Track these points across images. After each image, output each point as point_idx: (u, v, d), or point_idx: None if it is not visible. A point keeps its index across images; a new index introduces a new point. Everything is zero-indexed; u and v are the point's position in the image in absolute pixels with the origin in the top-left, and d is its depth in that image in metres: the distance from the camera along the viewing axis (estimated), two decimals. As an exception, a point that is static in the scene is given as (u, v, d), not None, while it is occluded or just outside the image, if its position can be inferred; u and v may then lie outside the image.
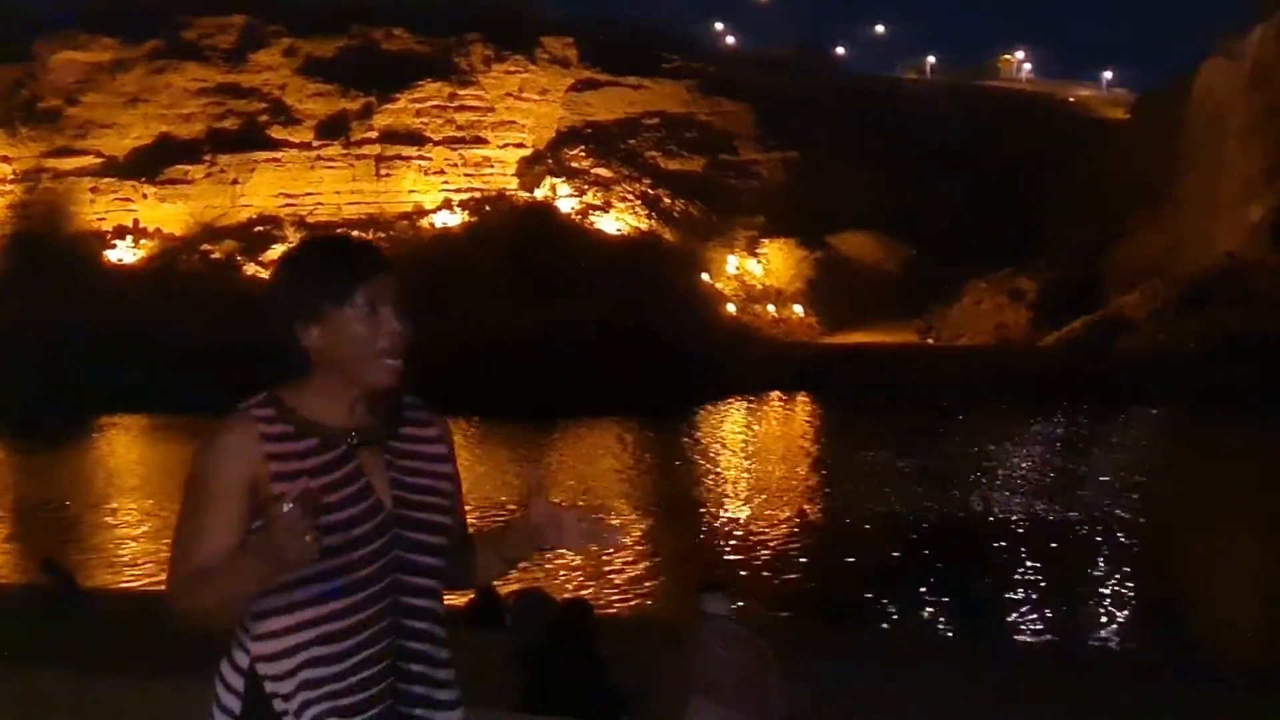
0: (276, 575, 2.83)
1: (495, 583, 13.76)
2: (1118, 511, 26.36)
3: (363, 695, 2.97)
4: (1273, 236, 71.04)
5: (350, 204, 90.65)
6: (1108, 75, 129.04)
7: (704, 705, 5.93)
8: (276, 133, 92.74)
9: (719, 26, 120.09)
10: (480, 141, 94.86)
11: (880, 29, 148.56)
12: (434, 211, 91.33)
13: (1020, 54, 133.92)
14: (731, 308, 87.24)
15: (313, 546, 2.74)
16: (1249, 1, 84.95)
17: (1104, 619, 17.28)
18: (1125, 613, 17.73)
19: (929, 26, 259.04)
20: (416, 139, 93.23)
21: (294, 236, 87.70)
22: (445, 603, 3.14)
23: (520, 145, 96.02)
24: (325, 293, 2.99)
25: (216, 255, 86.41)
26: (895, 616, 17.36)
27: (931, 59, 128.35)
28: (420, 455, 3.13)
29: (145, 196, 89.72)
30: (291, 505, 2.71)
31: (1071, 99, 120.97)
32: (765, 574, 19.87)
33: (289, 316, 3.01)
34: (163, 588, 3.06)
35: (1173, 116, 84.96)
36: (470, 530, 3.30)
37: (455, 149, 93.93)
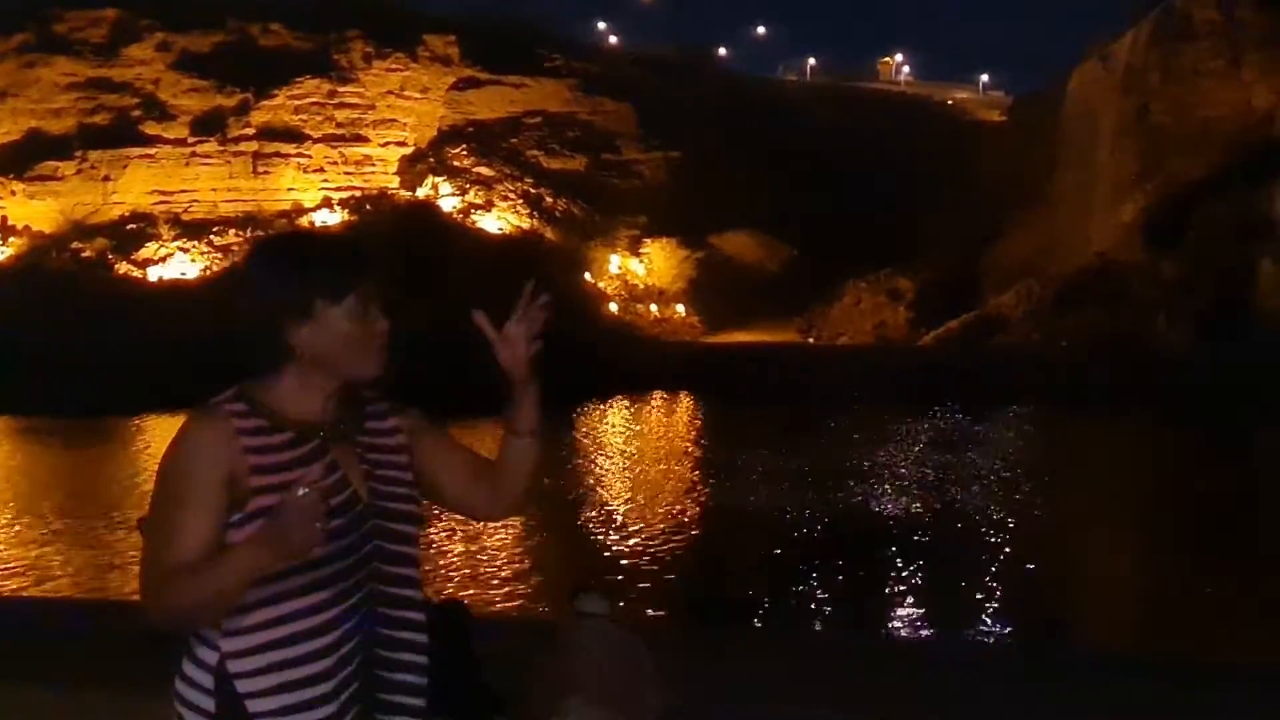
0: (277, 564, 2.83)
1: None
2: (992, 507, 26.74)
3: (343, 697, 2.97)
4: (1144, 237, 72.61)
5: (227, 201, 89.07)
6: (984, 78, 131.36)
7: (578, 706, 5.84)
8: (150, 128, 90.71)
9: (601, 25, 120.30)
10: (361, 139, 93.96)
11: (761, 30, 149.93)
12: (313, 210, 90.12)
13: (899, 56, 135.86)
14: (614, 307, 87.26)
15: (321, 533, 2.81)
16: (1121, 7, 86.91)
17: (981, 612, 17.48)
18: (1000, 606, 17.94)
19: (809, 28, 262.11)
20: (295, 136, 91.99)
21: (168, 234, 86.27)
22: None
23: (401, 143, 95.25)
24: (321, 291, 3.02)
25: (88, 254, 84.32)
26: (776, 615, 17.39)
27: (812, 60, 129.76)
28: (383, 448, 3.18)
29: (14, 193, 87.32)
30: (307, 490, 2.79)
31: (949, 101, 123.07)
32: (645, 573, 19.83)
33: (278, 313, 3.00)
34: (138, 590, 3.00)
35: (1047, 119, 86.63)
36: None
37: (335, 147, 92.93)
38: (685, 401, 60.14)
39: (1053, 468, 35.49)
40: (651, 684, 6.15)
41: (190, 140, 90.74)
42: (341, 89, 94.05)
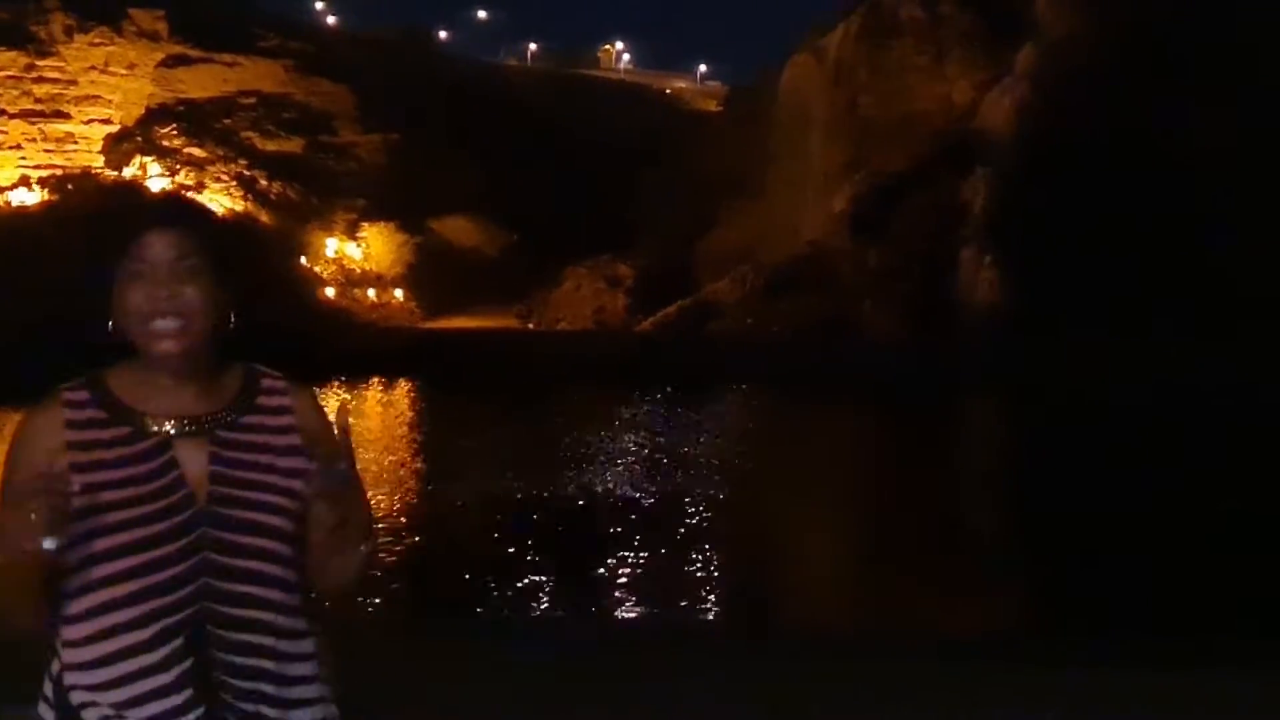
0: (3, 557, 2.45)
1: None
2: (705, 486, 27.23)
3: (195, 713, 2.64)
4: (852, 226, 74.96)
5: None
6: (703, 68, 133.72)
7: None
8: None
9: (319, 5, 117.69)
10: (62, 116, 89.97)
11: (483, 14, 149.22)
12: (9, 189, 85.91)
13: (619, 44, 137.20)
14: (330, 292, 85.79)
15: (36, 524, 2.38)
16: (832, 1, 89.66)
17: (697, 594, 17.72)
18: (718, 586, 18.23)
19: (530, 13, 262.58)
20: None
21: None
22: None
23: (107, 121, 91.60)
24: (110, 255, 2.69)
25: None
26: (494, 603, 17.29)
27: (533, 46, 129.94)
28: (261, 447, 2.78)
29: None
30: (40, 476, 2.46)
31: (668, 90, 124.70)
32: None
33: (97, 293, 2.69)
34: None
35: (761, 110, 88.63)
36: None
37: (34, 123, 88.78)
38: (404, 388, 59.47)
39: (760, 450, 36.37)
40: None
41: None
42: (40, 62, 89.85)
